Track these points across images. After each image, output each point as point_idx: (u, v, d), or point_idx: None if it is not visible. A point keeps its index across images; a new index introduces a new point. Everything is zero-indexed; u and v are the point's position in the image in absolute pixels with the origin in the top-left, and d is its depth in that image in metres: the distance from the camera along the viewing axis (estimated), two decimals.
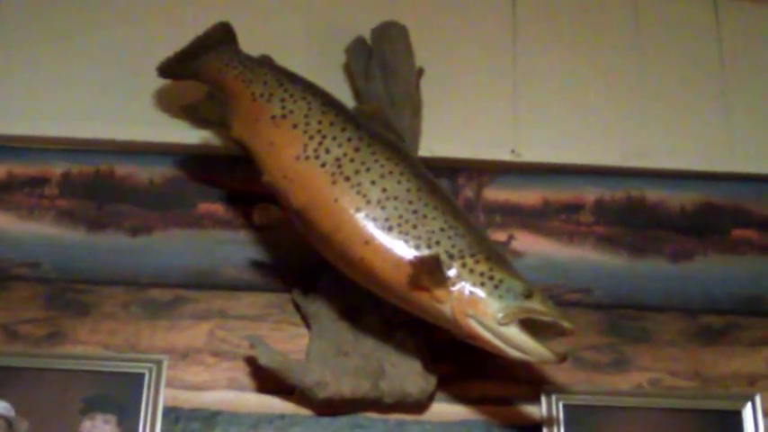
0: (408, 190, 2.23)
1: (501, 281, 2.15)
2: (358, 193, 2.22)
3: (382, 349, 2.40)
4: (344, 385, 2.35)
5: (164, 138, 2.65)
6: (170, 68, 2.60)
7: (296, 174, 2.27)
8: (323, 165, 2.26)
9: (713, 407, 2.45)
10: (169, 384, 2.41)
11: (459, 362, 2.44)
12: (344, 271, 2.29)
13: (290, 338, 2.48)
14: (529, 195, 2.68)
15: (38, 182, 2.63)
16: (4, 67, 2.70)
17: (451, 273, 2.16)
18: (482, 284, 2.15)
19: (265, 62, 2.50)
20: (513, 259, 2.41)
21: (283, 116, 2.35)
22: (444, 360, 2.43)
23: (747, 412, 2.44)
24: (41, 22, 2.76)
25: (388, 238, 2.18)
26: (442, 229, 2.20)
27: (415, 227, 2.19)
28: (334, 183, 2.24)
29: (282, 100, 2.37)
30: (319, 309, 2.45)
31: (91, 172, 2.65)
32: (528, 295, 2.15)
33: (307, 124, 2.32)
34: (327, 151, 2.27)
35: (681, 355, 2.53)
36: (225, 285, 2.54)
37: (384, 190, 2.22)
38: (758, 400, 2.45)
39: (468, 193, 2.67)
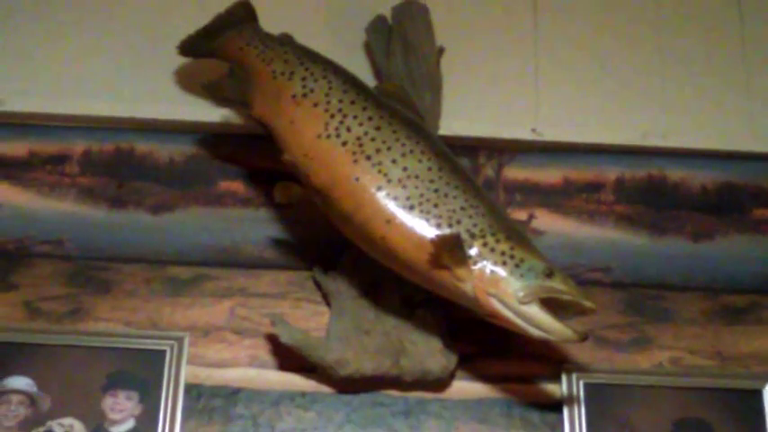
0: (429, 169, 2.23)
1: (522, 260, 2.16)
2: (379, 171, 2.22)
3: (403, 327, 2.40)
4: (365, 363, 2.36)
5: (184, 116, 2.66)
6: (191, 46, 2.60)
7: (317, 152, 2.28)
8: (344, 143, 2.26)
9: (733, 386, 2.45)
10: (190, 361, 2.42)
11: (480, 340, 2.45)
12: (365, 249, 2.29)
13: (311, 316, 2.49)
14: (549, 174, 2.68)
15: (59, 159, 2.64)
16: (24, 46, 2.71)
17: (473, 252, 2.16)
18: (503, 263, 2.15)
19: (286, 41, 2.50)
20: (533, 238, 2.41)
21: (304, 95, 2.35)
22: (465, 338, 2.44)
23: None
24: (61, 1, 2.76)
25: (409, 216, 2.18)
26: (462, 208, 2.20)
27: (436, 206, 2.19)
28: (355, 161, 2.24)
29: (303, 78, 2.37)
30: (340, 287, 2.46)
31: (111, 150, 2.66)
32: (549, 274, 2.15)
33: (328, 103, 2.32)
34: (348, 130, 2.27)
35: (701, 334, 2.53)
36: (246, 263, 2.55)
37: (405, 169, 2.22)
38: None
39: (489, 171, 2.67)
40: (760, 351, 2.52)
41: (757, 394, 2.45)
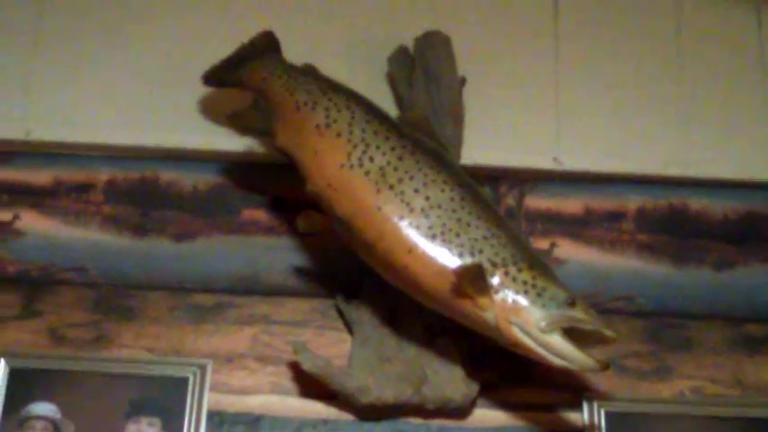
0: (451, 198, 2.24)
1: (544, 289, 2.16)
2: (402, 201, 2.23)
3: (424, 355, 2.41)
4: (387, 391, 2.36)
5: (208, 145, 2.67)
6: (215, 76, 2.62)
7: (340, 182, 2.29)
8: (367, 173, 2.27)
9: (755, 415, 2.45)
10: (213, 388, 2.43)
11: (502, 369, 2.45)
12: (387, 278, 2.30)
13: (333, 344, 2.50)
14: (571, 203, 2.69)
15: (84, 188, 2.66)
16: (50, 75, 2.73)
17: (494, 281, 2.16)
18: (525, 292, 2.16)
19: (309, 71, 2.51)
20: (555, 267, 2.41)
21: (327, 125, 2.36)
22: (486, 367, 2.44)
23: None
24: (87, 30, 2.78)
25: (431, 246, 2.19)
26: (484, 238, 2.20)
27: (458, 235, 2.20)
28: (377, 191, 2.25)
29: (326, 109, 2.39)
30: (362, 315, 2.47)
31: (136, 178, 2.68)
32: (571, 303, 2.16)
33: (350, 133, 2.33)
34: (371, 160, 2.29)
35: (723, 363, 2.52)
36: (268, 291, 2.56)
37: (427, 198, 2.23)
38: None
39: (510, 201, 2.68)
40: None
41: None
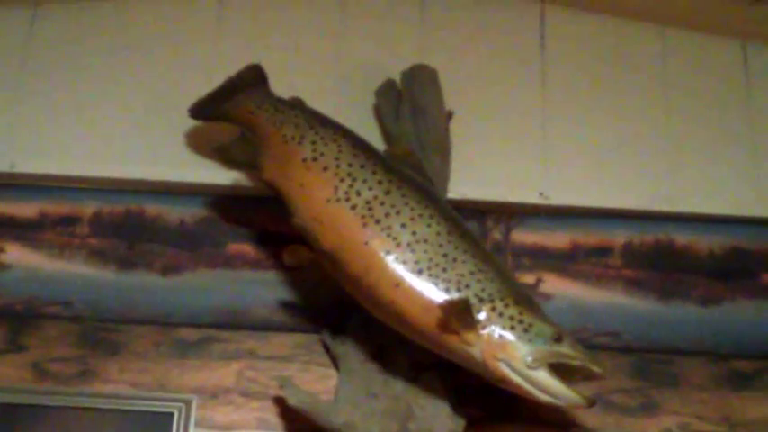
0: (438, 233, 2.24)
1: (530, 324, 2.15)
2: (388, 236, 2.23)
3: (411, 391, 2.40)
4: (373, 426, 2.35)
5: (195, 178, 2.67)
6: (201, 110, 2.61)
7: (326, 216, 2.28)
8: (353, 207, 2.27)
9: None
10: (198, 424, 2.42)
11: (488, 405, 2.44)
12: (374, 313, 2.30)
13: (319, 379, 2.49)
14: (557, 238, 2.69)
15: (69, 221, 2.66)
16: (35, 109, 2.73)
17: (481, 316, 2.16)
18: (512, 328, 2.15)
19: (296, 104, 2.52)
20: (541, 302, 2.40)
21: (314, 159, 2.36)
22: (473, 403, 2.43)
23: None
24: (73, 63, 2.78)
25: (417, 281, 2.19)
26: (471, 273, 2.20)
27: (444, 270, 2.20)
28: (364, 225, 2.24)
29: (313, 142, 2.39)
30: (348, 350, 2.46)
31: (122, 211, 2.67)
32: (557, 339, 2.15)
33: (337, 167, 2.33)
34: (358, 194, 2.28)
35: (710, 400, 2.52)
36: (254, 326, 2.55)
37: (414, 233, 2.23)
38: None
39: (497, 235, 2.68)
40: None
41: None
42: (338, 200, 2.29)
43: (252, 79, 2.59)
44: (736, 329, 2.61)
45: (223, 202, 2.68)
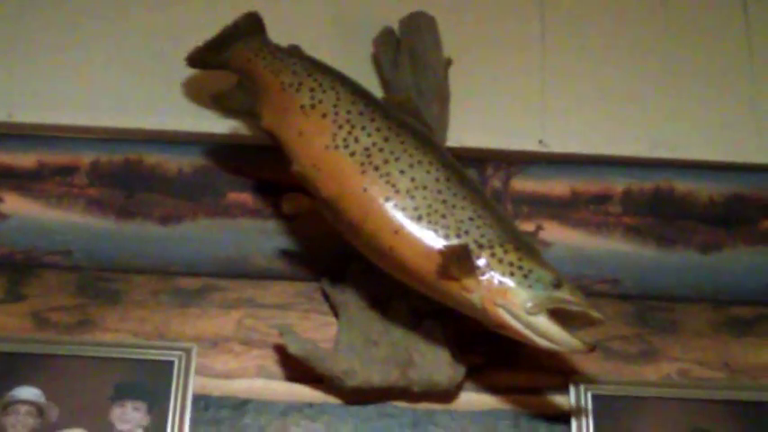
0: (437, 179, 2.24)
1: (530, 270, 2.16)
2: (387, 182, 2.22)
3: (411, 338, 2.40)
4: (373, 374, 2.35)
5: (193, 127, 2.66)
6: (199, 58, 2.61)
7: (325, 163, 2.28)
8: (352, 154, 2.27)
9: (742, 398, 2.44)
10: (198, 372, 2.42)
11: (488, 352, 2.44)
12: (373, 260, 2.30)
13: (319, 327, 2.49)
14: (557, 186, 2.68)
15: (67, 171, 2.65)
16: (33, 58, 2.72)
17: (481, 262, 2.16)
18: (511, 274, 2.15)
19: (294, 52, 2.51)
20: (541, 250, 2.41)
21: (312, 106, 2.35)
22: (473, 350, 2.43)
23: None
24: (70, 12, 2.77)
25: (417, 227, 2.19)
26: (471, 219, 2.20)
27: (444, 216, 2.20)
28: (363, 172, 2.24)
29: (311, 89, 2.38)
30: (348, 298, 2.46)
31: (120, 161, 2.66)
32: (557, 285, 2.16)
33: (336, 114, 2.32)
34: (356, 141, 2.28)
35: (709, 346, 2.52)
36: (254, 274, 2.55)
37: (413, 179, 2.23)
38: None
39: (496, 183, 2.67)
40: (767, 363, 2.52)
41: (765, 406, 2.44)
42: (337, 147, 2.28)
43: (249, 27, 2.58)
44: (736, 276, 2.60)
45: (222, 151, 2.67)
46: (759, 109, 2.77)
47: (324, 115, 2.33)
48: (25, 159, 2.65)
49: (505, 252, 2.17)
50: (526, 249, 2.20)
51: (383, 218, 2.20)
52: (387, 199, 2.21)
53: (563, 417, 2.41)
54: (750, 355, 2.52)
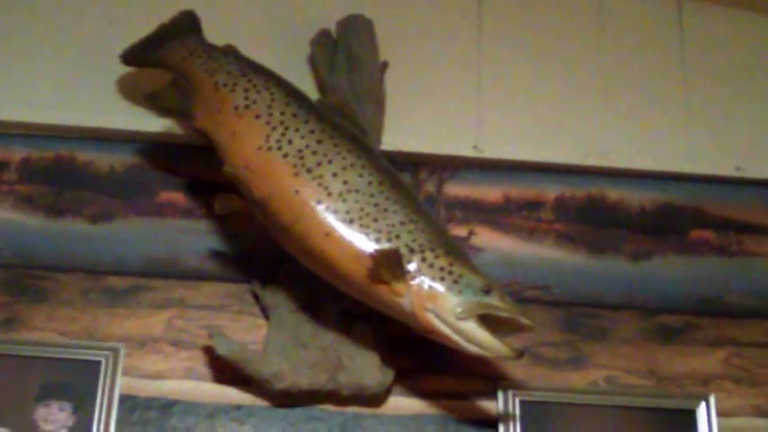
0: (370, 183, 2.24)
1: (460, 276, 2.16)
2: (319, 185, 2.22)
3: (340, 342, 2.39)
4: (302, 377, 2.35)
5: (126, 125, 2.64)
6: (134, 56, 2.58)
7: (257, 164, 2.27)
8: (285, 156, 2.26)
9: (668, 405, 2.47)
10: (126, 373, 2.40)
11: (417, 356, 2.44)
12: (304, 263, 2.29)
13: (249, 329, 2.48)
14: (490, 191, 2.69)
15: None
16: None
17: (411, 267, 2.17)
18: (441, 279, 2.16)
19: (230, 52, 2.50)
20: (472, 255, 2.43)
21: (246, 106, 2.34)
22: (402, 354, 2.43)
23: (701, 412, 2.46)
24: (3, 8, 2.73)
25: (348, 230, 2.19)
26: (402, 223, 2.20)
27: (375, 220, 2.20)
28: (295, 174, 2.24)
29: (246, 90, 2.37)
30: (278, 300, 2.45)
31: (51, 158, 2.63)
32: (487, 291, 2.16)
33: (270, 115, 2.32)
34: (290, 142, 2.27)
35: (637, 354, 2.54)
36: (184, 275, 2.53)
37: (345, 182, 2.23)
38: (712, 399, 2.47)
39: (430, 187, 2.67)
40: (694, 371, 2.54)
41: (691, 414, 2.46)
42: (270, 148, 2.28)
43: (185, 26, 2.57)
44: (665, 285, 2.63)
45: (154, 150, 2.65)
46: (691, 119, 2.80)
47: (257, 116, 2.32)
48: None
49: (436, 257, 2.18)
50: (457, 255, 2.21)
51: (314, 220, 2.20)
52: (318, 202, 2.21)
53: (491, 422, 2.42)
54: (676, 363, 2.54)
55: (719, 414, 2.46)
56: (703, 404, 2.47)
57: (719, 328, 2.59)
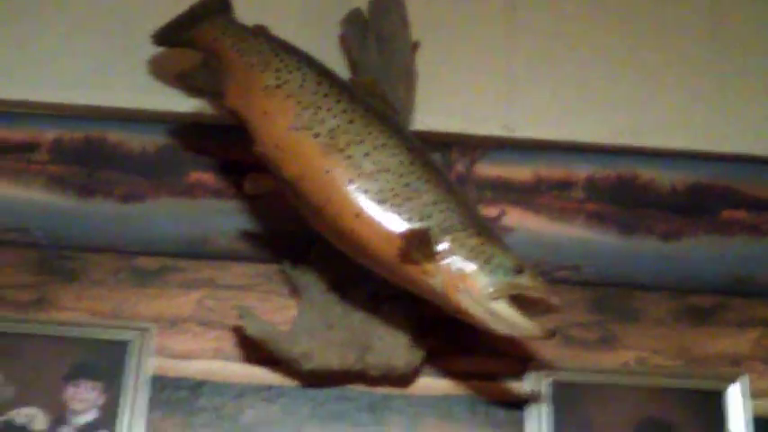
0: (401, 163, 2.23)
1: (492, 256, 2.15)
2: (350, 164, 2.21)
3: (370, 322, 2.39)
4: (331, 357, 2.35)
5: (157, 105, 2.64)
6: (165, 36, 2.58)
7: (288, 144, 2.27)
8: (316, 135, 2.25)
9: (698, 386, 2.46)
10: (156, 353, 2.40)
11: (447, 336, 2.44)
12: (335, 243, 2.29)
13: (279, 309, 2.48)
14: (521, 171, 2.68)
15: (28, 147, 2.62)
16: None
17: (442, 247, 2.16)
18: (473, 259, 2.15)
19: (261, 32, 2.49)
20: (503, 235, 2.43)
21: (278, 86, 2.34)
22: (432, 334, 2.42)
23: (732, 393, 2.45)
24: None
25: (379, 210, 2.18)
26: (434, 203, 2.20)
27: (406, 200, 2.19)
28: (326, 154, 2.23)
29: (277, 70, 2.36)
30: (308, 280, 2.45)
31: (82, 138, 2.63)
32: (518, 271, 2.15)
33: (301, 95, 2.31)
34: (321, 122, 2.27)
35: (668, 335, 2.53)
36: (214, 255, 2.53)
37: (376, 162, 2.22)
38: (743, 380, 2.46)
39: (461, 167, 2.66)
40: (725, 352, 2.52)
41: (722, 395, 2.45)
42: (301, 128, 2.27)
43: (216, 6, 2.56)
44: (696, 265, 2.61)
45: (185, 130, 2.65)
46: (724, 97, 2.78)
47: (289, 96, 2.32)
48: None
49: (468, 237, 2.17)
50: (488, 235, 2.20)
51: (345, 200, 2.20)
52: (349, 181, 2.20)
53: (520, 403, 2.41)
54: (707, 344, 2.53)
55: (751, 395, 2.45)
56: (734, 385, 2.45)
57: (751, 309, 2.58)
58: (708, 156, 2.72)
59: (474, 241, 2.17)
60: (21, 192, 2.57)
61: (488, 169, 2.67)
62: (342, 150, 2.23)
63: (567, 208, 2.65)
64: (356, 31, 2.67)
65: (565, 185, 2.68)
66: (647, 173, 2.71)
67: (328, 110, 2.28)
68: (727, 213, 2.69)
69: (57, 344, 2.39)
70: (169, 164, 2.62)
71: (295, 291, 2.48)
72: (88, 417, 2.33)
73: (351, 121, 2.27)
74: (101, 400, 2.34)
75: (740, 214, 2.69)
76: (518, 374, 2.44)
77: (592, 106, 2.74)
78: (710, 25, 2.86)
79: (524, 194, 2.66)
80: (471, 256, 2.15)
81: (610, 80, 2.78)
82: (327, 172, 2.22)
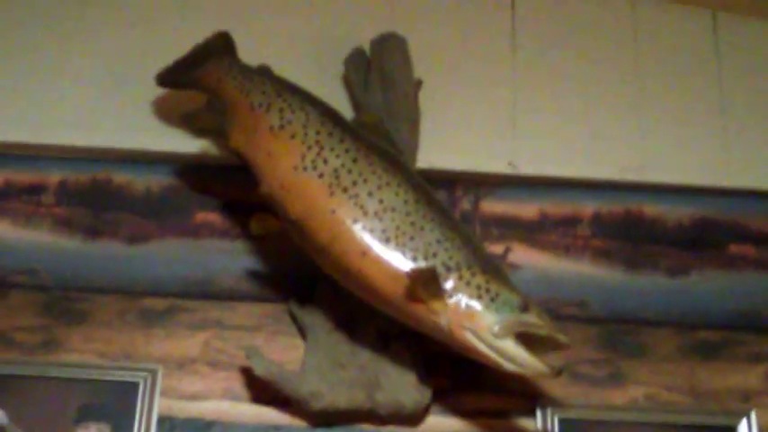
0: (406, 201, 2.23)
1: (497, 294, 2.15)
2: (355, 204, 2.22)
3: (378, 361, 2.39)
4: (339, 396, 2.34)
5: (162, 146, 2.65)
6: (169, 77, 2.59)
7: (293, 184, 2.27)
8: (321, 175, 2.26)
9: (709, 422, 2.45)
10: (164, 394, 2.40)
11: (455, 375, 2.44)
12: (341, 282, 2.29)
13: (286, 349, 2.47)
14: (526, 208, 2.68)
15: (35, 189, 2.63)
16: (1, 74, 2.70)
17: (448, 285, 2.16)
18: (479, 297, 2.15)
19: (264, 72, 2.50)
20: (509, 272, 2.42)
21: (281, 126, 2.35)
22: (439, 373, 2.42)
23: (743, 428, 2.44)
24: (40, 29, 2.75)
25: (385, 249, 2.18)
26: (438, 241, 2.20)
27: (412, 238, 2.19)
28: (331, 194, 2.24)
29: (281, 110, 2.37)
30: (315, 320, 2.45)
31: (88, 180, 2.65)
32: (524, 308, 2.15)
33: (305, 135, 2.32)
34: (325, 162, 2.27)
35: (677, 371, 2.52)
36: (221, 295, 2.53)
37: (381, 201, 2.22)
38: (753, 415, 2.45)
39: (466, 205, 2.67)
40: (734, 387, 2.52)
41: (732, 430, 2.44)
42: (305, 168, 2.28)
43: (220, 47, 2.57)
44: (704, 300, 2.61)
45: (190, 171, 2.66)
46: (728, 133, 2.79)
47: (293, 136, 2.33)
48: None
49: (473, 275, 2.17)
50: (494, 272, 2.20)
51: (351, 240, 2.20)
52: (355, 221, 2.20)
53: None
54: (716, 380, 2.52)
55: (761, 430, 2.44)
56: (744, 420, 2.45)
57: (760, 344, 2.57)
58: (714, 191, 2.73)
59: (480, 279, 2.17)
60: (28, 234, 2.58)
61: (493, 206, 2.67)
62: (346, 190, 2.23)
63: (573, 244, 2.65)
64: (359, 70, 2.68)
65: (571, 222, 2.68)
66: (654, 208, 2.71)
67: (332, 149, 2.29)
68: (734, 248, 2.68)
69: (65, 386, 2.39)
70: (174, 205, 2.63)
71: (302, 330, 2.47)
72: None
73: (354, 161, 2.27)
74: None
75: (747, 249, 2.68)
76: (527, 412, 2.44)
77: (597, 143, 2.74)
78: (715, 62, 2.87)
79: (530, 231, 2.66)
80: (477, 294, 2.15)
81: (614, 116, 2.79)
82: (333, 212, 2.22)
